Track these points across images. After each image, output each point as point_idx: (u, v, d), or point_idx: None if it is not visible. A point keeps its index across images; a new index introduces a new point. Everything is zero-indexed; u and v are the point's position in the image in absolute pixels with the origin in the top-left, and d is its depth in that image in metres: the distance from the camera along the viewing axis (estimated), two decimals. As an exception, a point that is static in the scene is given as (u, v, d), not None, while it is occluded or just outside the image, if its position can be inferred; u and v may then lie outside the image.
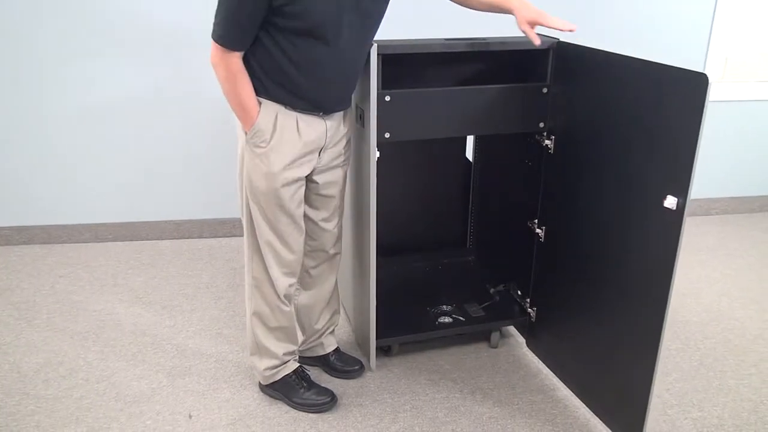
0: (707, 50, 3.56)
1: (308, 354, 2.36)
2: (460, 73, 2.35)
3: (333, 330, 2.38)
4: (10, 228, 3.35)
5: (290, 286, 2.09)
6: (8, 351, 2.47)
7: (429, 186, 2.85)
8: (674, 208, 1.62)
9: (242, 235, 2.29)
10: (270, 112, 1.85)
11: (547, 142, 2.15)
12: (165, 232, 3.46)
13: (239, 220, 3.44)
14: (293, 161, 1.90)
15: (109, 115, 3.22)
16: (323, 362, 2.37)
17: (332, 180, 2.06)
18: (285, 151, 1.88)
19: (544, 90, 2.11)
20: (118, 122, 3.24)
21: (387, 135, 2.03)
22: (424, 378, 2.35)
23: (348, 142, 2.09)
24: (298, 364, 2.24)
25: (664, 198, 1.63)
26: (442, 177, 2.84)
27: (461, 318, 2.46)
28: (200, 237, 3.48)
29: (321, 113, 1.91)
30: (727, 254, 3.39)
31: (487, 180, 2.76)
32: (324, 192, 2.06)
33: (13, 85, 3.11)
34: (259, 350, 2.16)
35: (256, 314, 2.12)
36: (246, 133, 1.88)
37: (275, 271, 2.03)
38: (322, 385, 2.24)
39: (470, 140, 2.86)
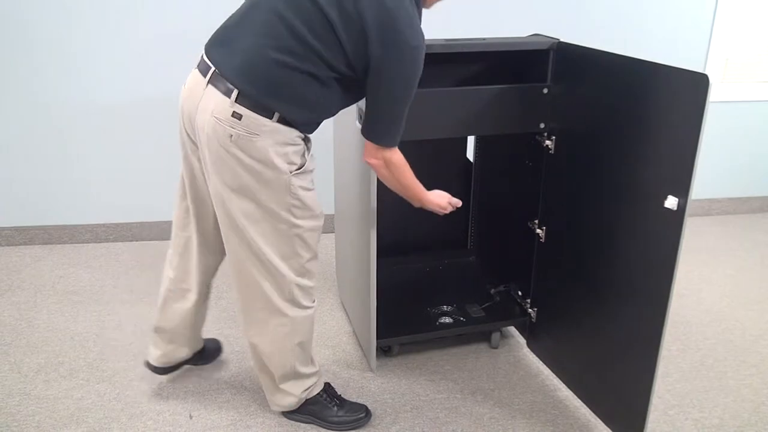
0: (708, 51, 3.56)
1: (178, 358, 2.23)
2: (460, 74, 2.35)
3: None
4: (11, 228, 3.35)
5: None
6: (9, 351, 2.47)
7: (430, 186, 2.83)
8: (675, 208, 1.62)
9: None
10: (301, 141, 1.79)
11: (547, 142, 2.15)
12: (166, 232, 3.46)
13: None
14: None
15: (110, 116, 3.22)
16: (198, 358, 2.32)
17: None
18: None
19: (545, 90, 2.11)
20: (119, 123, 3.24)
21: (387, 135, 2.02)
22: (425, 378, 2.35)
23: None
24: (325, 381, 2.16)
25: (665, 198, 1.63)
26: (443, 177, 2.84)
27: (462, 318, 2.46)
28: (201, 237, 3.48)
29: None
30: (728, 255, 3.39)
31: (487, 180, 2.76)
32: None
33: (13, 85, 3.11)
34: (296, 376, 2.03)
35: (301, 344, 1.98)
36: (293, 168, 1.76)
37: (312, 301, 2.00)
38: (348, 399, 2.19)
39: (471, 140, 2.87)
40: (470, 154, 2.83)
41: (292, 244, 1.84)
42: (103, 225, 3.41)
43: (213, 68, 1.69)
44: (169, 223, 3.42)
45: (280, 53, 1.63)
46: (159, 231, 3.45)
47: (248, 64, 1.65)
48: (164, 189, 3.39)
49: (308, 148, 1.82)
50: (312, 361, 2.08)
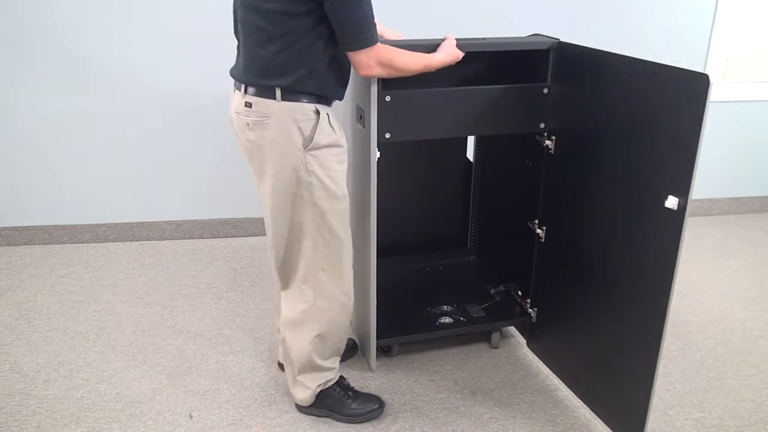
0: (708, 51, 3.56)
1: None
2: (461, 73, 2.35)
3: None
4: (11, 228, 3.35)
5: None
6: (9, 351, 2.47)
7: (430, 186, 2.85)
8: (675, 208, 1.61)
9: (243, 235, 2.29)
10: (325, 115, 1.83)
11: (547, 142, 2.15)
12: (166, 232, 3.46)
13: (240, 220, 3.46)
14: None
15: (109, 116, 3.22)
16: None
17: None
18: (346, 148, 1.94)
19: (545, 90, 2.11)
20: (118, 123, 3.24)
21: (387, 135, 2.03)
22: (425, 378, 2.35)
23: None
24: (339, 374, 2.19)
25: (666, 198, 1.63)
26: (443, 177, 2.84)
27: (462, 318, 2.46)
28: (201, 237, 3.48)
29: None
30: (728, 255, 3.39)
31: (487, 180, 2.76)
32: None
33: (11, 85, 3.11)
34: (313, 369, 2.09)
35: (320, 336, 2.04)
36: (307, 145, 1.81)
37: (351, 281, 2.03)
38: (363, 391, 2.23)
39: (471, 140, 2.87)
40: (470, 154, 2.83)
41: (316, 226, 1.90)
42: (103, 225, 3.41)
43: (233, 80, 1.90)
44: (169, 223, 3.42)
45: (259, 35, 1.76)
46: (159, 231, 3.45)
47: (246, 60, 1.83)
48: (164, 188, 3.39)
49: (329, 123, 1.84)
50: (332, 356, 2.11)
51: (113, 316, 2.73)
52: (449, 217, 2.93)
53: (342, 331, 2.09)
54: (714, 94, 3.55)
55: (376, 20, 1.76)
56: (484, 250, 2.88)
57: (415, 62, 1.86)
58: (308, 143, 1.80)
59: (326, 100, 1.85)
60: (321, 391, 2.12)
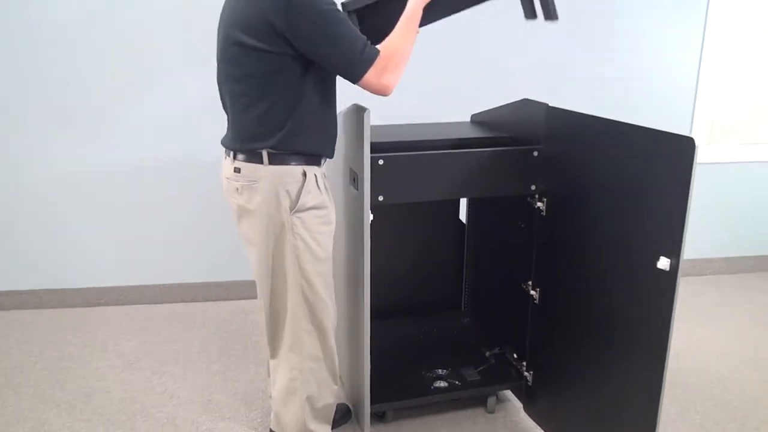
0: (693, 114, 3.64)
1: None
2: (453, 134, 2.39)
3: None
4: (1, 293, 3.32)
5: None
6: (-7, 420, 2.41)
7: (423, 248, 2.85)
8: (668, 269, 1.62)
9: (235, 299, 2.27)
10: (312, 176, 1.86)
11: (539, 204, 2.17)
12: (157, 295, 3.43)
13: (232, 283, 3.43)
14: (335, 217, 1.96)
15: (100, 180, 3.24)
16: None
17: None
18: (332, 210, 1.94)
19: (535, 153, 2.15)
20: (109, 187, 3.26)
21: (380, 198, 2.04)
22: (420, 445, 2.30)
23: None
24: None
25: (657, 259, 1.64)
26: (436, 239, 2.85)
27: (457, 382, 2.42)
28: (193, 300, 3.45)
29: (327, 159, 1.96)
30: (724, 315, 3.38)
31: (480, 242, 2.77)
32: None
33: (4, 150, 3.14)
34: None
35: (310, 399, 2.04)
36: (293, 208, 1.83)
37: (333, 341, 2.02)
38: None
39: (463, 202, 2.89)
40: (463, 216, 2.85)
41: (300, 288, 1.90)
42: (93, 288, 3.38)
43: (224, 148, 1.95)
44: (160, 286, 3.40)
45: (242, 102, 1.81)
46: (150, 294, 3.42)
47: (234, 127, 1.89)
48: (155, 252, 3.38)
49: (317, 184, 1.86)
50: (323, 421, 2.09)
51: (102, 383, 2.67)
52: (442, 279, 2.92)
53: (330, 393, 2.08)
54: (701, 156, 3.62)
55: None
56: (478, 312, 2.87)
57: (406, 33, 1.77)
58: (294, 205, 1.83)
59: (315, 159, 1.88)
60: None
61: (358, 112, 1.94)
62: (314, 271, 1.91)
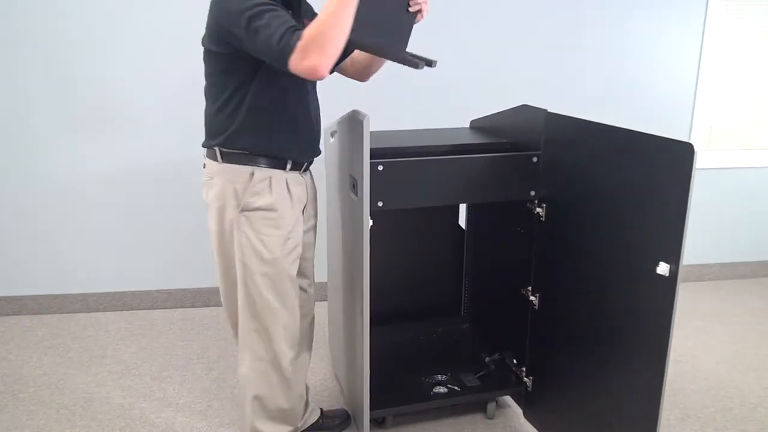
0: (692, 119, 3.65)
1: (302, 428, 2.30)
2: (452, 139, 2.39)
3: (309, 394, 2.35)
4: (0, 298, 3.31)
5: (294, 358, 2.05)
6: (-9, 426, 2.41)
7: (422, 254, 2.85)
8: (667, 274, 1.62)
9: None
10: (265, 178, 1.88)
11: (538, 209, 2.18)
12: (156, 301, 3.43)
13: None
14: (295, 224, 1.95)
15: (99, 186, 3.24)
16: (313, 428, 2.32)
17: (310, 242, 2.12)
18: (287, 215, 1.92)
19: (534, 159, 2.15)
20: (109, 192, 3.26)
21: (380, 204, 2.05)
22: (420, 451, 2.29)
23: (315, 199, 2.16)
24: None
25: (657, 265, 1.64)
26: (436, 244, 2.85)
27: (456, 388, 2.42)
28: (192, 306, 3.45)
29: (305, 166, 1.99)
30: (722, 321, 3.38)
31: (480, 247, 2.77)
32: (306, 255, 2.10)
33: (3, 156, 3.14)
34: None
35: (258, 398, 2.05)
36: (239, 206, 1.88)
37: (282, 345, 2.01)
38: None
39: (463, 208, 2.89)
40: (462, 222, 2.85)
41: (245, 285, 1.93)
42: (93, 294, 3.38)
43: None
44: (160, 292, 3.39)
45: (206, 99, 1.91)
46: (149, 300, 3.41)
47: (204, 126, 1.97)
48: (154, 257, 3.38)
49: (270, 186, 1.88)
50: (275, 423, 2.08)
51: (101, 389, 2.66)
52: (442, 285, 2.92)
53: (285, 398, 2.07)
54: (700, 162, 3.62)
55: None
56: (477, 318, 2.86)
57: (333, 10, 1.59)
58: (240, 204, 1.87)
59: (276, 162, 1.89)
60: None
61: (358, 118, 1.95)
62: (258, 271, 1.92)
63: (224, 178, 1.89)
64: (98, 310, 3.39)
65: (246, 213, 1.88)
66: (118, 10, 3.03)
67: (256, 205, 1.88)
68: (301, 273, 2.10)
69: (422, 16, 1.81)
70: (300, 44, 1.60)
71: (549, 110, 2.11)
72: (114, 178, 3.25)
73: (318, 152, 2.05)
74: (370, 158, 1.96)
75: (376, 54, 1.90)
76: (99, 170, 3.22)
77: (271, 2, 1.67)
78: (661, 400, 1.68)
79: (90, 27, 3.04)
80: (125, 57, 3.09)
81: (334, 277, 2.54)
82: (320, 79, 1.66)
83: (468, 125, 2.71)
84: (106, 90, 3.11)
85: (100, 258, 3.35)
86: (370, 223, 2.04)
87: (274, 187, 1.89)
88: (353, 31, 1.64)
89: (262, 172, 1.87)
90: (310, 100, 1.96)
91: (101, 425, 2.42)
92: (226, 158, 1.88)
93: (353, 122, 2.02)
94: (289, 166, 1.92)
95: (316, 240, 2.19)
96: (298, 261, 2.01)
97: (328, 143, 2.44)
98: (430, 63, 1.81)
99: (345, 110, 2.13)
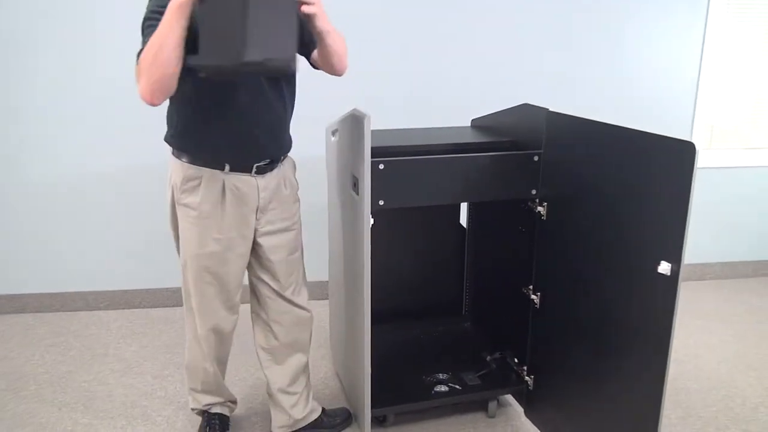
0: (693, 118, 3.65)
1: (302, 423, 2.31)
2: (453, 138, 2.39)
3: (311, 393, 2.36)
4: (2, 296, 3.32)
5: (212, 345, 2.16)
6: (-6, 424, 2.41)
7: (423, 252, 2.85)
8: (668, 273, 1.62)
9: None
10: (195, 177, 1.94)
11: (539, 208, 2.18)
12: (158, 299, 3.43)
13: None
14: (229, 225, 1.98)
15: (101, 184, 3.24)
16: (314, 426, 2.34)
17: (273, 244, 2.09)
18: (215, 215, 1.96)
19: (536, 158, 2.15)
20: (110, 190, 3.26)
21: (381, 202, 2.05)
22: (421, 450, 2.30)
23: (297, 202, 2.16)
24: (218, 411, 2.32)
25: (658, 264, 1.64)
26: (436, 243, 2.85)
27: (457, 386, 2.42)
28: (194, 305, 3.45)
29: (259, 168, 1.98)
30: (724, 320, 3.38)
31: (481, 246, 2.77)
32: (270, 257, 2.09)
33: (3, 153, 3.15)
34: (190, 393, 2.30)
35: (186, 366, 2.25)
36: (173, 193, 1.99)
37: (202, 329, 2.13)
38: None
39: (464, 207, 2.89)
40: (463, 220, 2.85)
41: (181, 269, 2.09)
42: (95, 292, 3.39)
43: None
44: (162, 290, 3.39)
45: None
46: (151, 298, 3.42)
47: None
48: (156, 256, 3.38)
49: (198, 186, 1.94)
50: (194, 389, 2.26)
51: (103, 387, 2.67)
52: (443, 284, 2.92)
53: (196, 370, 2.21)
54: (701, 161, 3.62)
55: None
56: (478, 316, 2.87)
57: (158, 32, 1.61)
58: (176, 197, 1.98)
59: (203, 162, 1.92)
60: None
61: (359, 117, 1.95)
62: (182, 258, 2.05)
63: (171, 169, 2.00)
64: (99, 309, 3.40)
65: (178, 205, 1.99)
66: (117, 8, 3.03)
67: (184, 201, 1.97)
68: (271, 275, 2.12)
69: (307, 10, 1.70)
70: (137, 69, 1.67)
71: (550, 109, 2.11)
72: (115, 176, 3.25)
73: (267, 156, 1.99)
74: (371, 157, 1.96)
75: (214, 77, 1.76)
76: (100, 169, 3.23)
77: (158, 11, 1.67)
78: (662, 399, 1.68)
79: (89, 26, 3.04)
80: (125, 56, 3.09)
81: (335, 275, 2.54)
82: (153, 106, 1.73)
83: (469, 124, 2.71)
84: (108, 88, 3.11)
85: (102, 256, 3.35)
86: (372, 221, 2.04)
87: (203, 187, 1.92)
88: (200, 52, 1.57)
89: (194, 171, 1.93)
90: (248, 103, 1.88)
91: (103, 423, 2.42)
92: (173, 152, 1.99)
93: (354, 121, 2.02)
94: (227, 168, 1.93)
95: (293, 243, 2.14)
96: (235, 261, 2.03)
97: (329, 142, 2.44)
98: (287, 65, 1.61)
99: (346, 109, 2.14)
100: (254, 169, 1.97)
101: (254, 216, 2.02)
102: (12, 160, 3.16)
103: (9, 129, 3.12)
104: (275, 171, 2.04)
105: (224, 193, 1.95)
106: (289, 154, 2.13)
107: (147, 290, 3.41)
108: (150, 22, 1.71)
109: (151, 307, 3.42)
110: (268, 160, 1.99)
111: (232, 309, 2.11)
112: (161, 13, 1.63)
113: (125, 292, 3.40)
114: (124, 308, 3.41)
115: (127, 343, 3.05)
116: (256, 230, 2.04)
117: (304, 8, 1.70)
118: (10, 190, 3.20)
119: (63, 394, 2.61)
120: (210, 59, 1.57)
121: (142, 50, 1.70)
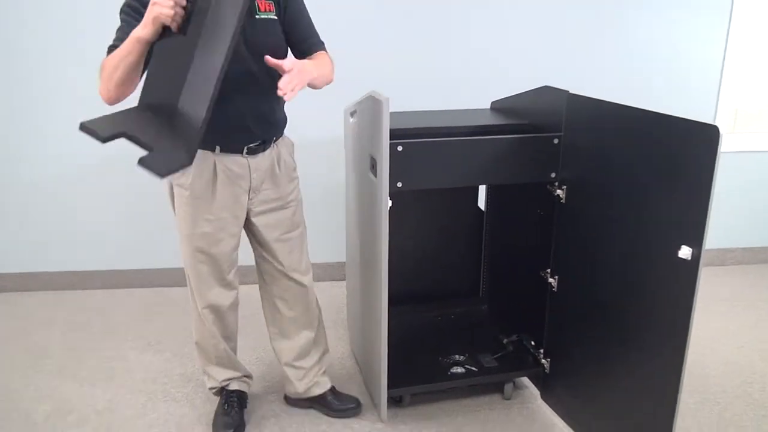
0: (717, 102, 3.59)
1: (305, 395, 2.35)
2: (473, 120, 2.38)
3: (325, 370, 2.39)
4: (24, 274, 3.38)
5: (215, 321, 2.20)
6: (16, 398, 2.46)
7: (441, 235, 2.85)
8: (689, 258, 1.61)
9: (255, 283, 2.30)
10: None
11: (558, 192, 2.16)
12: (177, 279, 3.47)
13: (251, 267, 3.45)
14: (221, 204, 2.00)
15: (122, 163, 3.26)
16: (320, 402, 2.37)
17: (267, 223, 2.11)
18: (205, 195, 1.98)
19: (555, 141, 2.13)
20: (131, 170, 3.28)
21: (399, 184, 2.04)
22: (436, 430, 2.31)
23: (293, 181, 2.16)
24: (236, 388, 2.34)
25: (679, 248, 1.62)
26: (454, 226, 2.85)
27: (474, 368, 2.43)
28: (212, 284, 3.48)
29: (250, 149, 1.99)
30: (744, 305, 3.35)
31: (499, 229, 2.76)
32: (266, 237, 2.12)
33: (22, 136, 3.18)
34: (205, 373, 2.33)
35: (198, 344, 2.28)
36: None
37: (200, 305, 2.18)
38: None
39: (482, 189, 2.88)
40: (482, 203, 2.84)
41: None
42: (115, 271, 3.43)
43: None
44: (180, 270, 3.42)
45: None
46: (170, 277, 3.45)
47: None
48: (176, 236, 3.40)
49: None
50: (205, 364, 2.30)
51: (123, 363, 2.71)
52: (461, 266, 2.92)
53: (206, 346, 2.25)
54: (724, 145, 3.56)
55: None
56: (496, 299, 2.86)
57: (120, 49, 1.71)
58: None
59: (205, 144, 1.94)
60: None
61: (378, 98, 1.94)
62: (179, 234, 2.09)
63: None
64: (119, 287, 3.44)
65: (174, 186, 2.02)
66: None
67: (178, 182, 2.00)
68: (271, 254, 2.16)
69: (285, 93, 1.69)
70: (101, 66, 1.77)
71: (571, 92, 2.09)
72: (137, 156, 3.26)
73: (258, 138, 1.99)
74: (390, 138, 1.96)
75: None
76: (121, 150, 3.24)
77: (132, 5, 1.77)
78: (680, 384, 1.67)
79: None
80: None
81: (353, 256, 2.55)
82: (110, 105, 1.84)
83: (489, 106, 2.69)
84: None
85: (121, 235, 3.38)
86: (389, 203, 2.04)
87: (195, 167, 1.92)
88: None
89: None
90: (236, 86, 1.85)
91: (124, 399, 2.47)
92: None
93: (373, 103, 2.01)
94: (218, 149, 1.96)
95: (290, 221, 2.15)
96: (227, 241, 2.07)
97: (347, 123, 2.44)
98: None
99: (365, 91, 2.13)
100: (245, 150, 1.98)
101: (247, 196, 2.04)
102: (29, 143, 3.19)
103: (27, 113, 3.15)
104: (268, 151, 2.05)
105: (216, 174, 1.97)
106: (286, 134, 2.13)
107: (167, 269, 3.44)
108: (123, 17, 1.81)
109: (170, 286, 3.46)
110: (258, 141, 2.00)
111: (228, 285, 2.16)
112: (135, 9, 1.77)
113: (145, 270, 3.44)
114: (143, 287, 3.45)
115: (146, 320, 3.09)
116: (249, 210, 2.07)
117: (285, 97, 1.69)
118: (29, 171, 3.24)
119: (85, 370, 2.65)
120: (149, 97, 1.76)
121: (111, 46, 1.79)
